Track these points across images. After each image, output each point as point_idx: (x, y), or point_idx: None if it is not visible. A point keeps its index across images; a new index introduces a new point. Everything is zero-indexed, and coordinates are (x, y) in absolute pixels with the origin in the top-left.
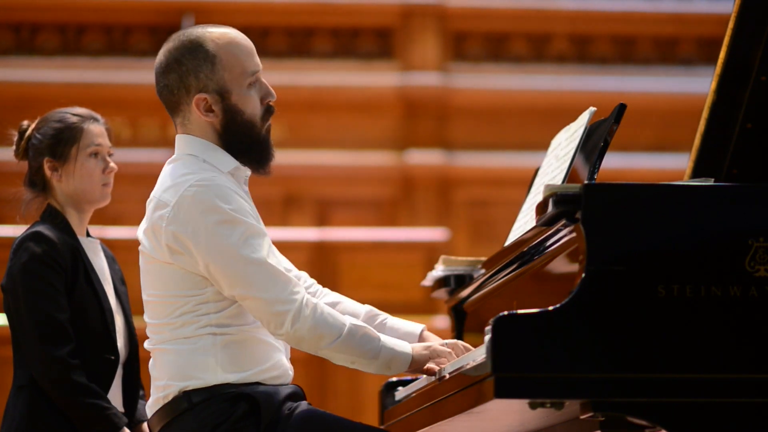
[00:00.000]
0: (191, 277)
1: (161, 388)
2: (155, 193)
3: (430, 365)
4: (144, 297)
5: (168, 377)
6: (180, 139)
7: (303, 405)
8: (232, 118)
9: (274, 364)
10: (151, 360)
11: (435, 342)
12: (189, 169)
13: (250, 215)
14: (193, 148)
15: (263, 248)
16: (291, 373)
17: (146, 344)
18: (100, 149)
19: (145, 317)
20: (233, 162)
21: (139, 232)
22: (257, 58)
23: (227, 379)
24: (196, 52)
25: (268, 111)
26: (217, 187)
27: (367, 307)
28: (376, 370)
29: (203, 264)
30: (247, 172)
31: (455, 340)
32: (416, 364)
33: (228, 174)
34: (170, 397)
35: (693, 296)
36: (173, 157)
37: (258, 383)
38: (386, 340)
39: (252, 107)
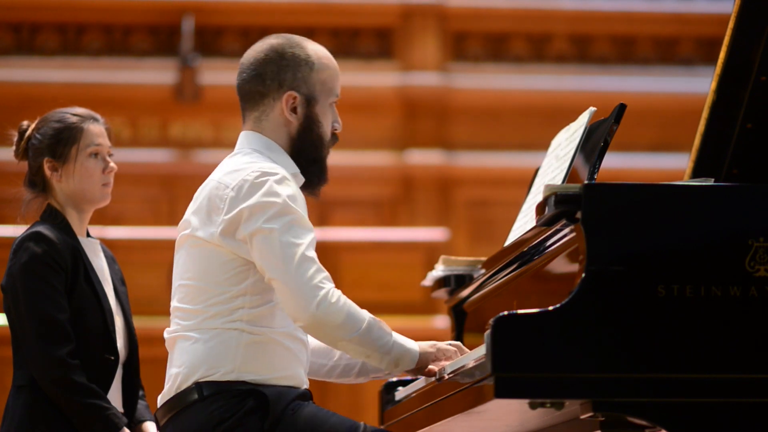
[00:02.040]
0: (235, 264)
1: (175, 377)
2: (214, 176)
3: (431, 367)
4: (178, 282)
5: (185, 365)
6: (247, 136)
7: (309, 404)
8: (309, 127)
9: (291, 374)
10: (169, 349)
11: (433, 342)
12: (253, 159)
13: (303, 208)
14: (260, 145)
15: (305, 238)
16: (305, 385)
17: (168, 333)
18: (100, 149)
19: (174, 302)
20: (295, 167)
21: (188, 214)
22: (339, 85)
23: (241, 377)
24: (299, 53)
25: (334, 137)
26: (278, 176)
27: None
28: (386, 366)
29: (249, 241)
30: (301, 180)
31: (456, 342)
32: (422, 362)
33: (291, 176)
34: (182, 387)
35: (693, 296)
36: (234, 151)
37: (270, 385)
38: (397, 336)
39: (327, 125)
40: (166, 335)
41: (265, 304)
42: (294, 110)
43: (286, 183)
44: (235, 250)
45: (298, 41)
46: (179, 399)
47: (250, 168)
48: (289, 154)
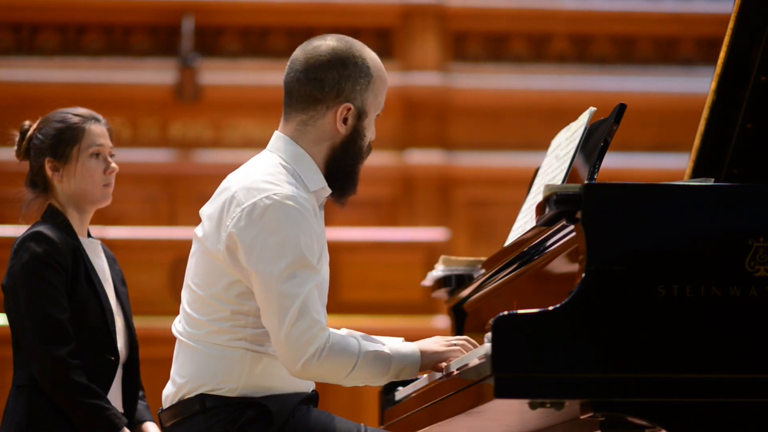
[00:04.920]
0: (240, 286)
1: (180, 386)
2: (231, 183)
3: (439, 367)
4: (188, 281)
5: (189, 377)
6: (281, 140)
7: (310, 409)
8: (354, 140)
9: (294, 385)
10: (176, 346)
11: (437, 340)
12: (275, 178)
13: (311, 246)
14: (290, 155)
15: (306, 284)
16: (312, 388)
17: (177, 329)
18: (101, 149)
19: (183, 301)
20: (322, 182)
21: (205, 212)
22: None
23: (245, 394)
24: (361, 64)
25: (368, 148)
26: (291, 208)
27: (345, 331)
28: (385, 383)
29: (249, 277)
30: (328, 193)
31: (465, 337)
32: (425, 368)
33: (312, 194)
34: (185, 397)
35: (693, 296)
36: (266, 150)
37: (273, 396)
38: (395, 353)
39: (368, 138)
40: (174, 332)
41: None
42: (345, 121)
43: (298, 216)
44: (238, 272)
45: (360, 49)
46: (183, 407)
47: (267, 190)
48: (326, 163)
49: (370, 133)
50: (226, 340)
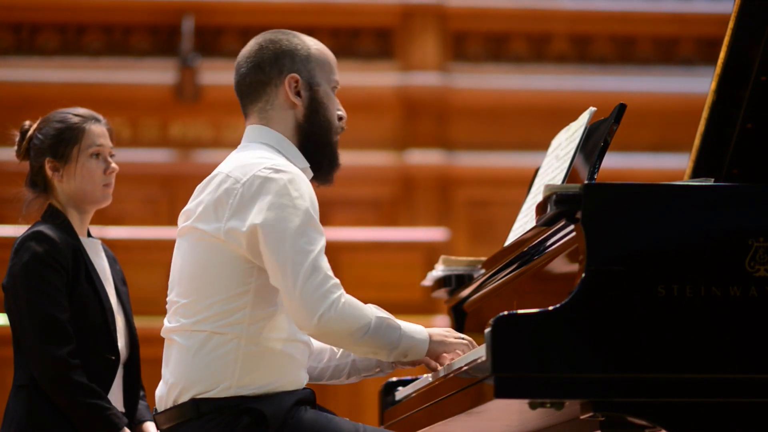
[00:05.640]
0: (240, 263)
1: (172, 387)
2: (222, 169)
3: (442, 357)
4: (178, 274)
5: (180, 379)
6: (254, 130)
7: (308, 410)
8: (315, 109)
9: (291, 379)
10: (165, 347)
11: (448, 331)
12: (264, 155)
13: (316, 208)
14: (269, 139)
15: (317, 244)
16: (304, 383)
17: (166, 327)
18: (101, 150)
19: (173, 295)
20: (305, 162)
21: (192, 204)
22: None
23: (239, 392)
24: (293, 38)
25: (340, 125)
26: (290, 174)
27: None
28: (394, 358)
29: (260, 242)
30: (310, 175)
31: (469, 338)
32: (432, 353)
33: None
34: (179, 401)
35: (693, 296)
36: (242, 144)
37: (267, 395)
38: (406, 328)
39: (332, 109)
40: (163, 333)
41: (268, 308)
42: (298, 93)
43: (300, 182)
44: (240, 248)
45: (289, 32)
46: (178, 412)
47: (262, 164)
48: (298, 141)
49: (333, 106)
50: (221, 325)
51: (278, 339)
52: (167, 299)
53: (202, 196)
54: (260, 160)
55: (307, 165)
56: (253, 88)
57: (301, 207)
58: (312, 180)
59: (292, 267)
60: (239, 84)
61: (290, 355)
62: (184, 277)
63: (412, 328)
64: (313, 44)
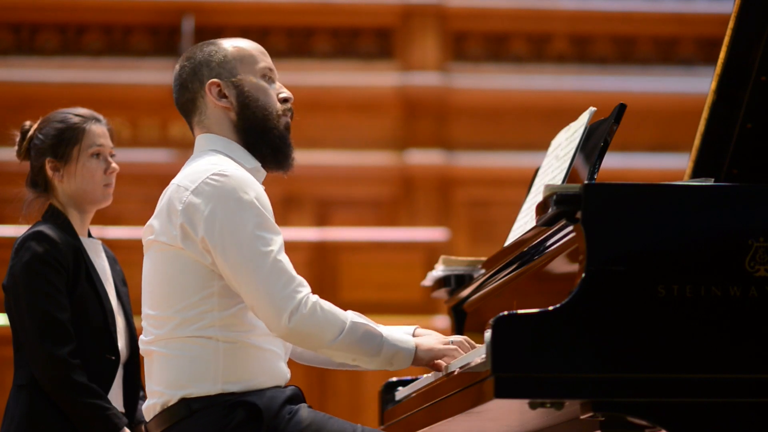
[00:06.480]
0: (199, 267)
1: (159, 394)
2: (175, 180)
3: (438, 361)
4: (146, 287)
5: (166, 385)
6: (201, 139)
7: (303, 408)
8: (246, 105)
9: (273, 373)
10: (146, 362)
11: (437, 338)
12: (212, 161)
13: (267, 207)
14: (216, 145)
15: (274, 244)
16: (288, 376)
17: (143, 341)
18: (102, 150)
19: (146, 308)
20: (254, 161)
21: (151, 219)
22: (270, 61)
23: (227, 389)
24: (208, 47)
25: (287, 106)
26: (238, 178)
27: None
28: (377, 367)
29: (213, 250)
30: (263, 173)
31: (462, 336)
32: (420, 361)
33: (250, 171)
34: (169, 404)
35: (693, 296)
36: (193, 155)
37: (257, 390)
38: (388, 335)
39: (266, 97)
40: (141, 345)
41: (235, 305)
42: (223, 96)
43: (247, 184)
44: (196, 254)
45: (205, 42)
46: (169, 415)
47: (209, 170)
48: (242, 140)
49: (267, 94)
50: (194, 329)
51: (253, 334)
52: (142, 315)
53: (158, 208)
54: (208, 166)
55: (257, 164)
56: (187, 106)
57: (251, 209)
58: (270, 172)
59: (253, 272)
60: (177, 106)
61: (268, 350)
62: (152, 290)
63: (396, 336)
64: (229, 44)
